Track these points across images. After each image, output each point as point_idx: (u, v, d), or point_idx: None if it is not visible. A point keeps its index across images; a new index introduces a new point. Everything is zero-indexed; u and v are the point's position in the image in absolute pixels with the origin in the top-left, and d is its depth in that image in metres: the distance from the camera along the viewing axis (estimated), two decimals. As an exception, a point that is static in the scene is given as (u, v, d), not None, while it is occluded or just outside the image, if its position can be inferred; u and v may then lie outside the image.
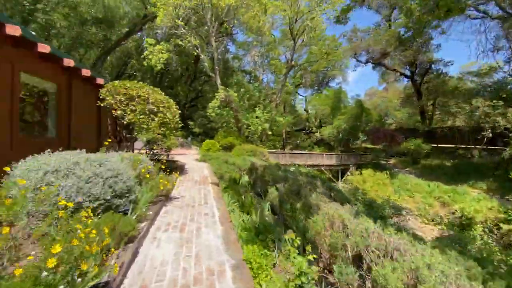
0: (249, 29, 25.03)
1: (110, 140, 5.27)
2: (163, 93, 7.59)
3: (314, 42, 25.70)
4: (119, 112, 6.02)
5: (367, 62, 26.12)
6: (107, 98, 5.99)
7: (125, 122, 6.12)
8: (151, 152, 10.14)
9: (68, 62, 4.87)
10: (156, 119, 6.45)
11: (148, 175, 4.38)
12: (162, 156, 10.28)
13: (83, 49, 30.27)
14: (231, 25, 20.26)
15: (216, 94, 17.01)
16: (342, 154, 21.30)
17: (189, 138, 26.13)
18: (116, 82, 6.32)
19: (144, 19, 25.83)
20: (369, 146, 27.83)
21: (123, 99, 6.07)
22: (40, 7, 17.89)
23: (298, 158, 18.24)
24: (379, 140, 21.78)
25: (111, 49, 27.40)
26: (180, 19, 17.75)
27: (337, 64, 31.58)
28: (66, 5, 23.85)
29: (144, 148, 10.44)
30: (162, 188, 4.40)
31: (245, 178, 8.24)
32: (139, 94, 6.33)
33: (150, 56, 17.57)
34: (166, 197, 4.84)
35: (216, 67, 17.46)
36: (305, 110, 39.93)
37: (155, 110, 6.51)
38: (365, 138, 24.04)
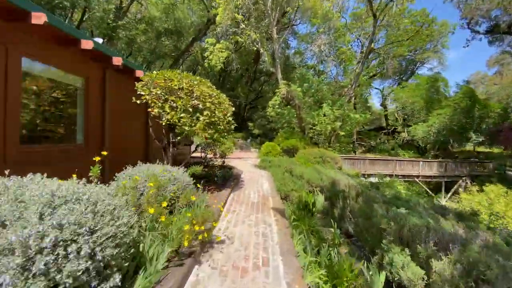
0: (313, 15, 22.09)
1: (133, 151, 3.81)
2: (214, 87, 5.97)
3: (397, 20, 20.48)
4: (156, 110, 4.62)
5: (488, 32, 18.65)
6: (144, 94, 4.68)
7: (163, 123, 4.69)
8: (205, 157, 8.90)
9: (86, 44, 3.63)
10: (201, 118, 4.79)
11: (162, 219, 2.54)
12: (216, 162, 8.94)
13: (160, 61, 33.78)
14: (295, 10, 17.84)
15: (276, 90, 15.00)
16: (447, 161, 15.72)
17: (248, 140, 25.15)
18: (155, 72, 4.99)
19: (207, 24, 26.44)
20: (482, 150, 20.32)
21: (160, 93, 4.64)
22: (120, 23, 20.03)
23: (381, 165, 14.23)
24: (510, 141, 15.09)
25: (180, 56, 29.37)
26: (240, 13, 16.63)
27: (430, 45, 24.64)
28: (144, 21, 26.78)
29: (198, 151, 9.31)
30: (188, 238, 2.50)
31: (320, 199, 5.78)
32: (181, 86, 4.82)
33: (210, 56, 17.12)
34: (202, 243, 2.96)
35: (277, 60, 15.45)
36: (381, 105, 33.61)
37: (201, 106, 4.87)
38: (480, 139, 17.34)
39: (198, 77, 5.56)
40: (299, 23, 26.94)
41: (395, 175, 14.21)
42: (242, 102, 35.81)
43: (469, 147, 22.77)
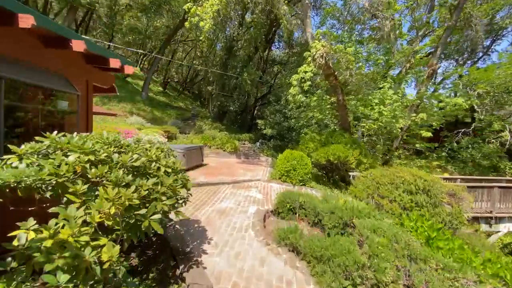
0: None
1: None
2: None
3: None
4: None
5: None
6: None
7: None
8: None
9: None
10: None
11: None
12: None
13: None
14: None
15: (306, 53, 8.02)
16: None
17: (258, 143, 18.29)
18: None
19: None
20: None
21: None
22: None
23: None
24: None
25: (172, 35, 23.38)
26: None
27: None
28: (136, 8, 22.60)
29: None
30: None
31: None
32: None
33: (193, 9, 10.40)
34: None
35: (306, 1, 8.48)
36: (432, 95, 25.53)
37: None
38: None
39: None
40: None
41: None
42: (251, 95, 28.97)
43: None
